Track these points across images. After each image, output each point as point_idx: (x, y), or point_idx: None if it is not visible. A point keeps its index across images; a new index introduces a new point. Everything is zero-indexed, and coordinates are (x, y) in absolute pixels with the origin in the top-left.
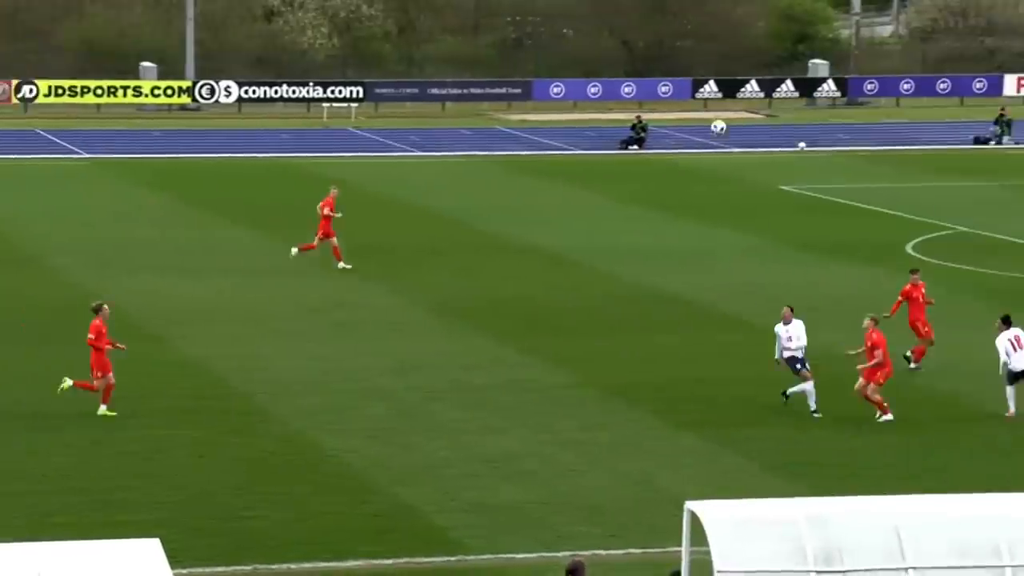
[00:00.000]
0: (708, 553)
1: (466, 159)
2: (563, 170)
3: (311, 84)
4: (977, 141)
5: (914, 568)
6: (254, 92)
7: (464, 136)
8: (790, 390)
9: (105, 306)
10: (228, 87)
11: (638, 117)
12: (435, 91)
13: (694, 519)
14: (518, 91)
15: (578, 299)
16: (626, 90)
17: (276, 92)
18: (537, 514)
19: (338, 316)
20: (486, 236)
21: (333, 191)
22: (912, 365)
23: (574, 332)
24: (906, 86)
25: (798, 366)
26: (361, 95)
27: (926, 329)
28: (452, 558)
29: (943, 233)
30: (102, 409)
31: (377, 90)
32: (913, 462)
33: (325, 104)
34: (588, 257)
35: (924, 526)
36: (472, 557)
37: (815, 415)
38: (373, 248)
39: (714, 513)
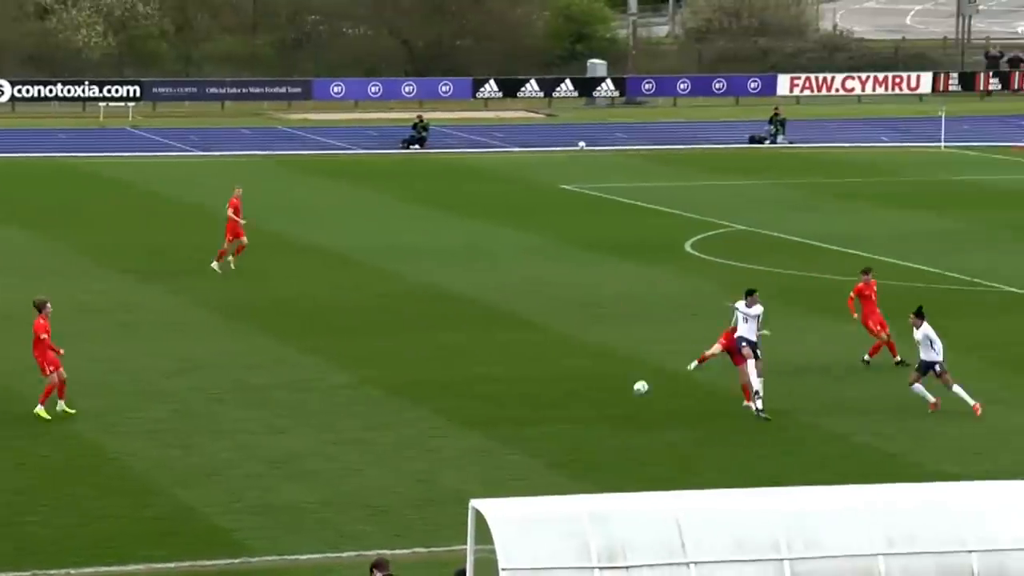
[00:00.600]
0: (493, 551)
1: (246, 159)
2: (345, 170)
3: (87, 83)
4: (752, 140)
5: (695, 563)
6: (28, 91)
7: (244, 136)
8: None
9: (48, 303)
10: (0, 86)
11: (419, 116)
12: (214, 90)
13: (479, 517)
14: (298, 90)
15: (361, 298)
16: (407, 89)
17: (51, 91)
18: (321, 514)
19: (119, 317)
20: (267, 236)
21: (237, 191)
22: (866, 357)
23: (357, 331)
24: (683, 86)
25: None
26: (138, 94)
27: (877, 328)
28: (235, 560)
29: (720, 231)
30: (39, 409)
31: (155, 89)
32: (694, 458)
33: (101, 103)
34: (371, 256)
35: (704, 521)
36: (256, 559)
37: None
38: (153, 248)
39: (498, 511)
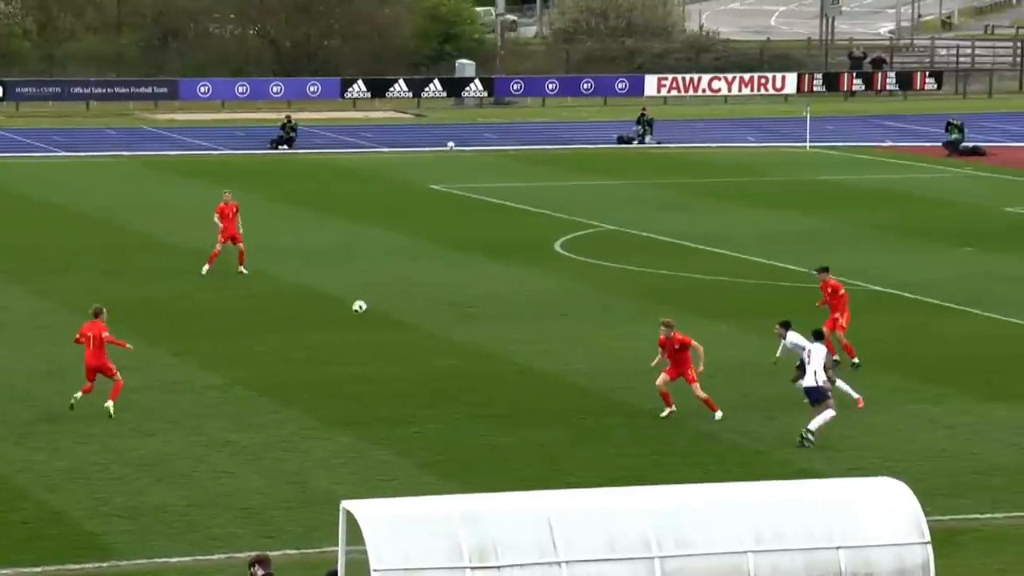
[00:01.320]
0: (364, 552)
1: (112, 159)
2: (212, 170)
3: None
4: (620, 140)
5: (566, 562)
6: None
7: (109, 136)
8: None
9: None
10: None
11: (287, 116)
12: (78, 90)
13: (349, 518)
14: (164, 90)
15: (230, 299)
16: (275, 89)
17: None
18: (190, 517)
19: None
20: (134, 236)
21: (226, 195)
22: (855, 361)
23: (226, 332)
24: (551, 86)
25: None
26: (1, 94)
27: (841, 322)
28: (104, 564)
29: (590, 231)
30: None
31: (18, 89)
32: (564, 458)
33: None
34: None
35: (576, 520)
36: (124, 562)
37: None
38: (17, 249)
39: (369, 512)
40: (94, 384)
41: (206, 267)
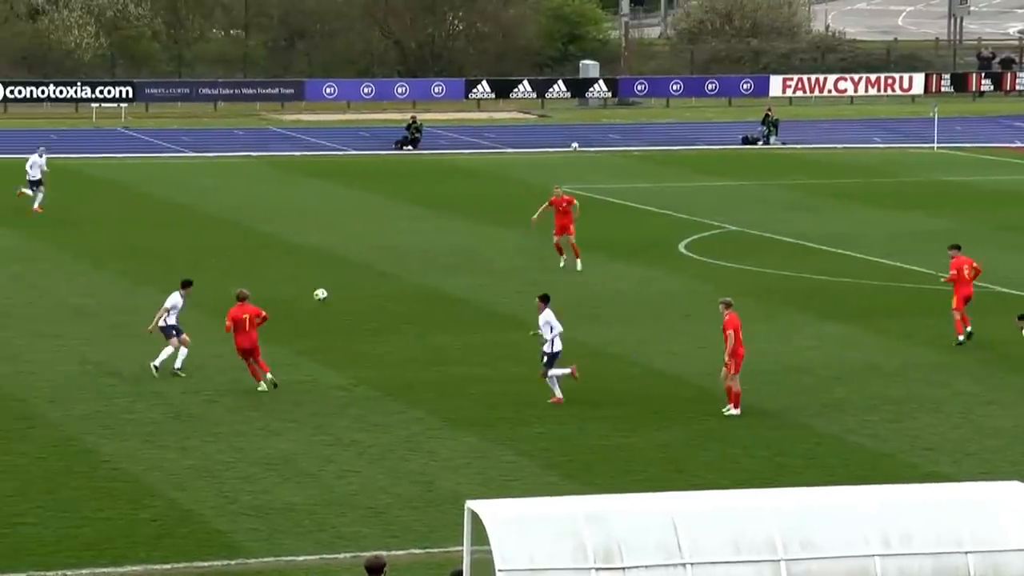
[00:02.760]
0: (489, 552)
1: (239, 159)
2: (337, 170)
3: (79, 84)
4: (745, 141)
5: (691, 563)
6: (20, 92)
7: (237, 136)
8: None
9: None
10: None
11: (413, 117)
12: (206, 91)
13: (475, 518)
14: (291, 91)
15: (354, 299)
16: (400, 90)
17: (43, 92)
18: (316, 515)
19: (112, 319)
20: (260, 236)
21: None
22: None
23: (351, 332)
24: (675, 87)
25: None
26: (131, 95)
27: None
28: (231, 562)
29: (713, 232)
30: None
31: (147, 90)
32: (688, 459)
33: (94, 104)
34: (363, 256)
35: (701, 521)
36: (252, 560)
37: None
38: (145, 251)
39: (494, 512)
40: (252, 364)
41: (562, 260)
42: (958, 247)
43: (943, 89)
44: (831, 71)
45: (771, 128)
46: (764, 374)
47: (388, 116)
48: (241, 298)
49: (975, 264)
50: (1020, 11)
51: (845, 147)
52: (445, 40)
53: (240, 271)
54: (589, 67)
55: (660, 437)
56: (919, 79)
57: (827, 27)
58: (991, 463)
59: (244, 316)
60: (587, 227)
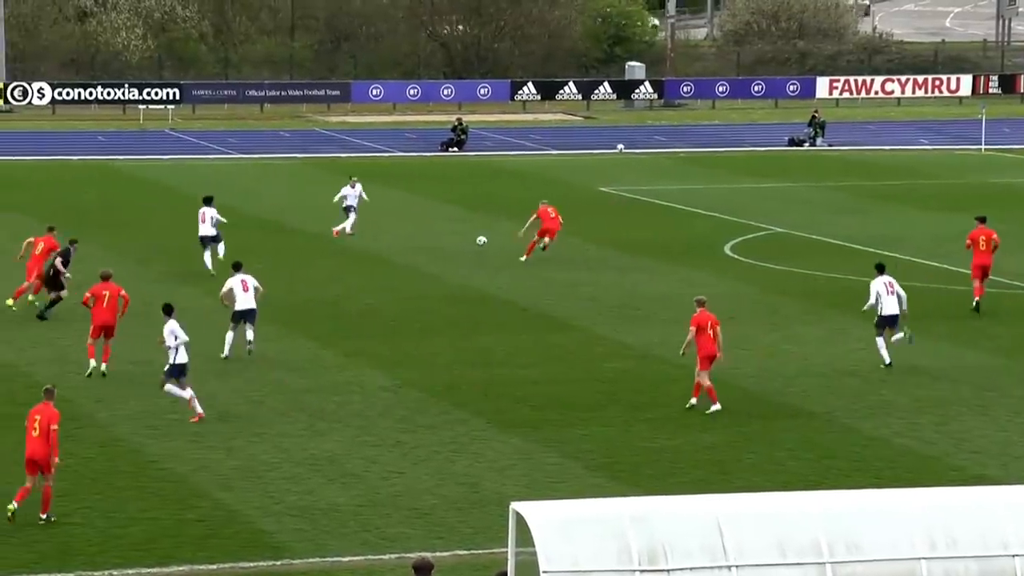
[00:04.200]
0: (534, 554)
1: (285, 161)
2: (384, 172)
3: (126, 85)
4: (791, 143)
5: (736, 566)
6: (68, 94)
7: (283, 138)
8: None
9: None
10: (41, 89)
11: (458, 119)
12: (253, 93)
13: (519, 520)
14: (336, 93)
15: (400, 300)
16: (445, 92)
17: (91, 94)
18: (362, 516)
19: (157, 319)
20: (307, 237)
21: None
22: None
23: (396, 333)
24: (721, 88)
25: None
26: (178, 97)
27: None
28: (277, 562)
29: (760, 234)
30: None
31: (194, 92)
32: (732, 461)
33: (141, 106)
34: (410, 258)
35: (746, 524)
36: (298, 561)
37: None
38: (190, 251)
39: (539, 513)
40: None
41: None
42: (983, 219)
43: (991, 90)
44: (878, 72)
45: (817, 130)
46: (811, 376)
47: (434, 118)
48: (104, 277)
49: (994, 236)
50: None
51: (892, 149)
52: (490, 42)
53: (286, 272)
54: (635, 69)
55: (705, 439)
56: (967, 80)
57: (874, 28)
58: None
59: (105, 293)
60: (633, 228)
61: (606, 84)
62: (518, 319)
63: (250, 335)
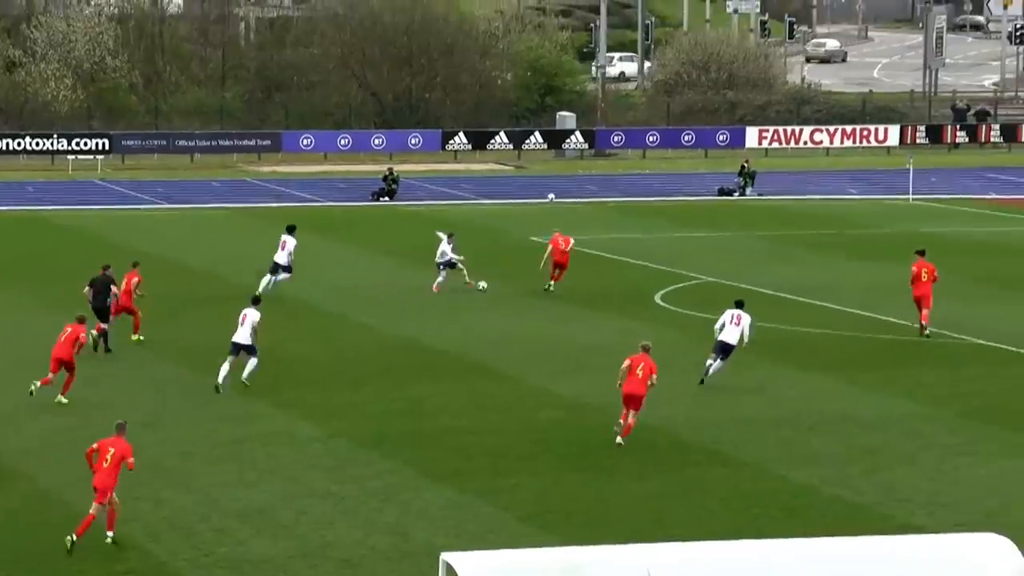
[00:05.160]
0: None
1: (216, 211)
2: (314, 221)
3: (55, 136)
4: (721, 192)
5: None
6: None
7: (214, 188)
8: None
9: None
10: None
11: (389, 169)
12: (183, 142)
13: (449, 570)
14: (267, 142)
15: (331, 350)
16: (376, 142)
17: (19, 144)
18: (292, 568)
19: (86, 371)
20: (237, 288)
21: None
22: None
23: (327, 383)
24: (652, 138)
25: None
26: (107, 147)
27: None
28: None
29: (690, 283)
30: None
31: (124, 141)
32: (665, 510)
33: (70, 156)
34: (340, 307)
35: (677, 573)
36: None
37: None
38: None
39: (469, 564)
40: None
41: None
42: (923, 252)
43: (918, 141)
44: (807, 123)
45: (747, 179)
46: (742, 425)
47: (365, 167)
48: (80, 320)
49: (935, 270)
50: (994, 63)
51: (821, 198)
52: (422, 92)
53: (216, 322)
54: (566, 119)
55: (637, 488)
56: (894, 131)
57: (803, 79)
58: (966, 514)
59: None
60: (565, 278)
61: (537, 134)
62: (450, 368)
63: (246, 371)
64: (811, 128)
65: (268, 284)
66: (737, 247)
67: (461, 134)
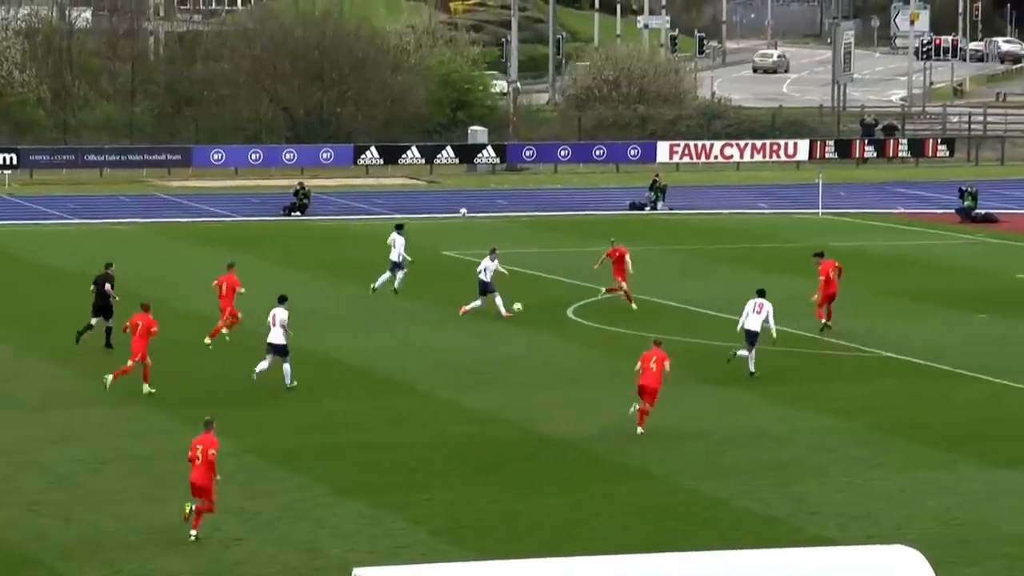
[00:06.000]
0: None
1: (126, 226)
2: (225, 236)
3: None
4: (633, 207)
5: None
6: None
7: (123, 203)
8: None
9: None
10: None
11: (300, 183)
12: (92, 157)
13: None
14: (177, 157)
15: (243, 365)
16: (288, 156)
17: None
18: None
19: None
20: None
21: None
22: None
23: (239, 399)
24: (563, 152)
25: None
26: (15, 161)
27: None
28: None
29: (601, 297)
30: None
31: (32, 156)
32: (577, 524)
33: None
34: (254, 323)
35: None
36: None
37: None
38: (29, 318)
39: None
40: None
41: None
42: (822, 253)
43: (827, 155)
44: (717, 137)
45: (658, 194)
46: (654, 438)
47: (276, 182)
48: (145, 308)
49: (837, 264)
50: (902, 79)
51: (731, 213)
52: (333, 106)
53: (125, 339)
54: (477, 133)
55: (550, 502)
56: (804, 145)
57: (713, 94)
58: (876, 526)
59: (138, 323)
60: (476, 293)
61: (449, 148)
62: (362, 383)
63: (286, 377)
64: (722, 143)
65: (396, 281)
66: (649, 261)
67: (373, 149)
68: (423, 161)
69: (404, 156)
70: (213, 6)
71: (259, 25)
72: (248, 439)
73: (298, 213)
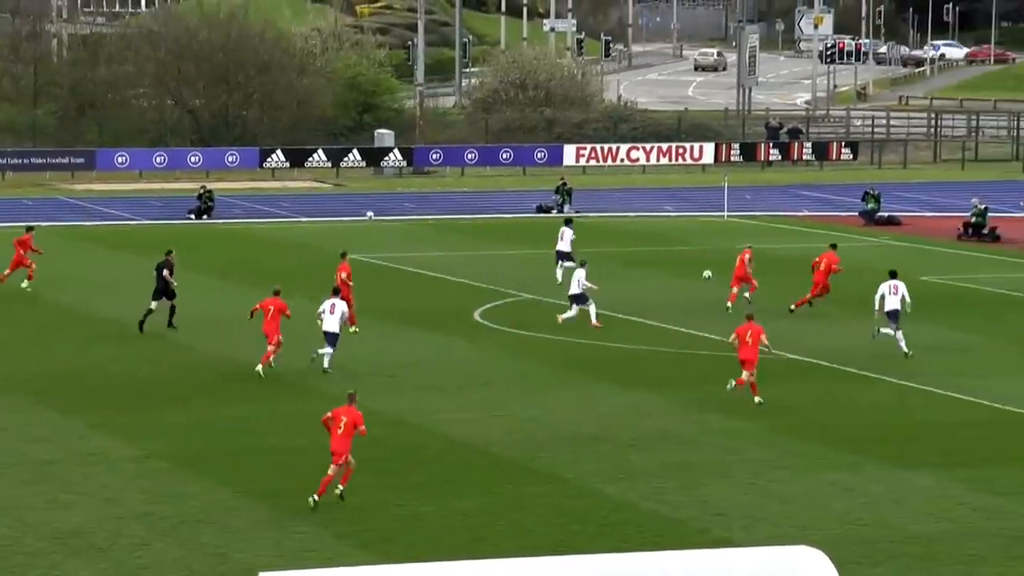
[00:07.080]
0: None
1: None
2: (129, 240)
3: None
4: (539, 210)
5: None
6: None
7: (26, 206)
8: None
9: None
10: None
11: (203, 186)
12: None
13: None
14: (81, 160)
15: (148, 370)
16: (193, 159)
17: None
18: None
19: None
20: (54, 307)
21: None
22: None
23: (144, 403)
24: (470, 155)
25: None
26: None
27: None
28: None
29: (509, 300)
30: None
31: None
32: (484, 526)
33: None
34: (156, 327)
35: None
36: None
37: None
38: None
39: None
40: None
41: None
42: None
43: (733, 158)
44: (623, 140)
45: (565, 197)
46: (560, 441)
47: (181, 185)
48: (276, 293)
49: (836, 267)
50: (806, 82)
51: (638, 216)
52: (239, 109)
53: (30, 343)
54: (384, 136)
55: (456, 506)
56: (709, 148)
57: (619, 97)
58: (780, 528)
59: (270, 307)
60: (383, 295)
61: (355, 151)
62: (268, 388)
63: (326, 361)
64: (628, 146)
65: (560, 272)
66: (555, 264)
67: (279, 151)
68: (329, 164)
69: (310, 159)
70: (117, 8)
71: (163, 27)
72: (151, 443)
73: (204, 216)
